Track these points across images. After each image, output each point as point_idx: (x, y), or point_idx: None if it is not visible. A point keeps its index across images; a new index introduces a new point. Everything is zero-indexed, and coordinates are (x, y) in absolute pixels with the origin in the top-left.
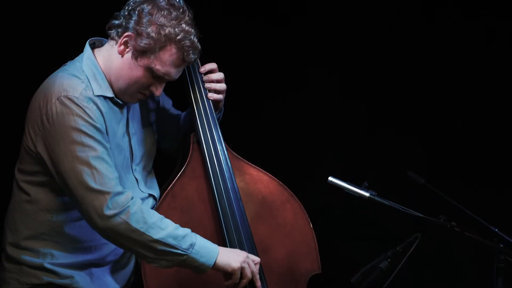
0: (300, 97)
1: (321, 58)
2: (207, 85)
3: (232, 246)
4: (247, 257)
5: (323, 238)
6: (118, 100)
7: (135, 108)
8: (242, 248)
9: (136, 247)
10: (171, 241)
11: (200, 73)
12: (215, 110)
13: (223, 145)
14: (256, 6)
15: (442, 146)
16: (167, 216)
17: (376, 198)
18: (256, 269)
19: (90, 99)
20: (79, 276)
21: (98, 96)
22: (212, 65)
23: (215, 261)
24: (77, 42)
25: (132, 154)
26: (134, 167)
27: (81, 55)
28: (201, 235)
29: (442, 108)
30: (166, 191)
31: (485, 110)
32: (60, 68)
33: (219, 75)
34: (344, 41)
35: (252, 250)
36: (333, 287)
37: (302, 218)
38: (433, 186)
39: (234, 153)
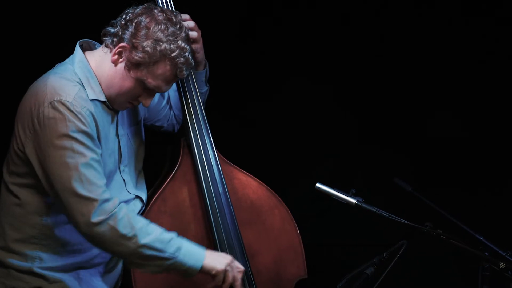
0: (290, 103)
1: (310, 64)
2: None
3: (222, 250)
4: (232, 261)
5: (310, 244)
6: (109, 104)
7: (121, 111)
8: (232, 252)
9: (124, 252)
10: (158, 245)
11: (192, 77)
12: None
13: (214, 150)
14: (249, 7)
15: (429, 154)
16: (157, 220)
17: (363, 205)
18: (237, 275)
19: (84, 103)
20: (68, 280)
21: (92, 100)
22: (185, 16)
23: (202, 264)
24: (66, 42)
25: (121, 156)
26: (122, 168)
27: (71, 57)
28: (191, 239)
29: (429, 115)
30: (156, 194)
31: (473, 118)
32: (50, 70)
33: (190, 23)
34: (336, 49)
35: (242, 254)
36: None
37: (289, 223)
38: (419, 193)
39: (224, 158)
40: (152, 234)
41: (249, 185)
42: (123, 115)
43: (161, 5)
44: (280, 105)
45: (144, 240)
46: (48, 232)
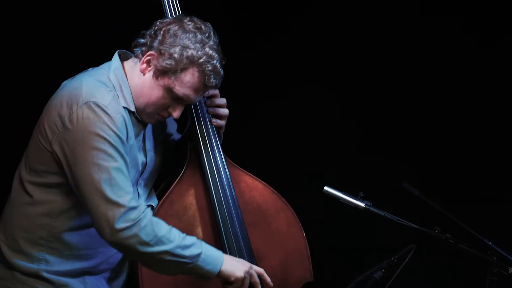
0: (297, 108)
1: (317, 71)
2: (210, 109)
3: (231, 254)
4: (251, 267)
5: (318, 248)
6: (138, 116)
7: (152, 125)
8: (241, 255)
9: (145, 258)
10: (179, 251)
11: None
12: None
13: (221, 152)
14: (256, 10)
15: (437, 159)
16: None
17: (371, 208)
18: (258, 280)
19: (118, 109)
20: (74, 284)
21: (124, 108)
22: (215, 91)
23: (220, 269)
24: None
25: (144, 170)
26: (140, 181)
27: (107, 63)
28: None
29: (436, 120)
30: (164, 197)
31: (480, 123)
32: (84, 73)
33: (222, 100)
34: (342, 56)
35: (251, 257)
36: None
37: (295, 226)
38: (427, 197)
39: (230, 161)
40: (174, 241)
41: (255, 188)
42: (149, 132)
43: (167, 7)
44: (287, 109)
45: (166, 247)
46: (57, 235)
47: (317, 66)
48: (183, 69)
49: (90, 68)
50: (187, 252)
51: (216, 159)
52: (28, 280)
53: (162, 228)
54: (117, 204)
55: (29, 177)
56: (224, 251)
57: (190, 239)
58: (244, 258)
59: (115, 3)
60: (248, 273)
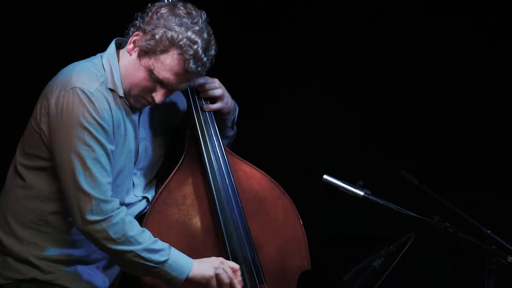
0: (296, 96)
1: (316, 65)
2: (201, 94)
3: (230, 242)
4: (222, 263)
5: (317, 236)
6: (126, 101)
7: (149, 114)
8: (241, 244)
9: (111, 253)
10: (145, 254)
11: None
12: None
13: (220, 141)
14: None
15: (436, 148)
16: (162, 212)
17: (370, 197)
18: (232, 275)
19: (104, 96)
20: (64, 273)
21: (112, 91)
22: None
23: (188, 276)
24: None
25: (137, 159)
26: (135, 171)
27: (105, 51)
28: (197, 231)
29: (436, 110)
30: (162, 186)
31: (480, 114)
32: (82, 60)
33: (213, 84)
34: (339, 51)
35: (250, 245)
36: (326, 284)
37: (293, 215)
38: (426, 186)
39: (228, 149)
40: (143, 244)
41: (253, 176)
42: (146, 121)
43: None
44: (287, 100)
45: (132, 247)
46: (47, 219)
47: (317, 61)
48: (164, 51)
49: (91, 57)
50: (153, 257)
51: (214, 147)
52: (19, 266)
53: (133, 228)
54: (89, 195)
55: (23, 161)
56: (223, 240)
57: (161, 245)
58: (244, 247)
59: (115, 3)
60: (220, 269)
